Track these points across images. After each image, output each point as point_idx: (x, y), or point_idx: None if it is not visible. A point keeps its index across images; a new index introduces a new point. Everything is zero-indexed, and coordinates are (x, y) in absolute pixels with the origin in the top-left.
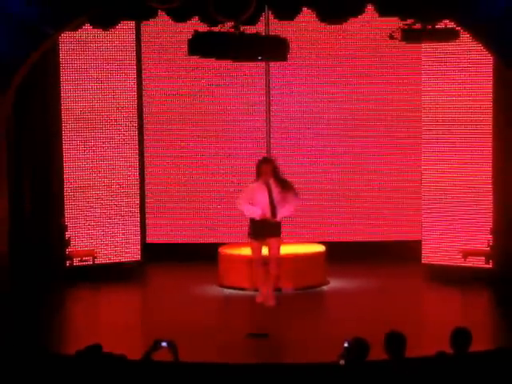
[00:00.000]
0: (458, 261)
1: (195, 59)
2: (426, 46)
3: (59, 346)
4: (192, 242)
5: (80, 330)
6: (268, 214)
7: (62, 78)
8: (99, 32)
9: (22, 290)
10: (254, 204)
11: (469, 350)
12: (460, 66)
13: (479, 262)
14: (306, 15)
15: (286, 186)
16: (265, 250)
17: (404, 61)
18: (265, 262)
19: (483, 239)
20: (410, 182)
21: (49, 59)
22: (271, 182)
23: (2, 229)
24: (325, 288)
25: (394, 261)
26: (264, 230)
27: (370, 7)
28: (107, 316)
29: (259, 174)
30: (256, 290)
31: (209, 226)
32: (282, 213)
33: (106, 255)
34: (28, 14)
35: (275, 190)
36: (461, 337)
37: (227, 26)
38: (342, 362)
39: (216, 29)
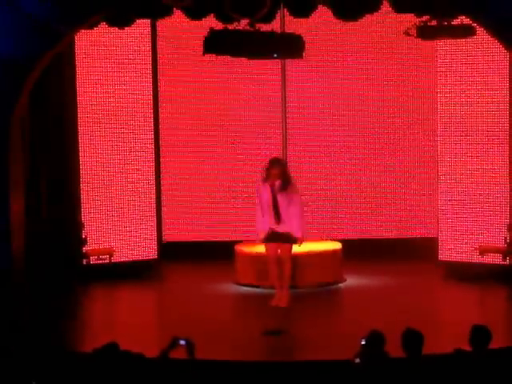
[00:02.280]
0: (474, 258)
1: (211, 57)
2: (441, 43)
3: (76, 344)
4: (208, 239)
5: (97, 329)
6: (271, 221)
7: (78, 76)
8: (115, 30)
9: (38, 288)
10: (261, 205)
11: (487, 348)
12: (476, 62)
13: (496, 259)
14: (322, 12)
15: (289, 188)
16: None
17: (420, 57)
18: (279, 260)
19: (500, 236)
20: (427, 179)
21: (64, 58)
22: (277, 184)
23: (18, 232)
24: (341, 285)
25: (411, 258)
26: (276, 238)
27: (385, 4)
28: (124, 314)
29: (267, 176)
30: (273, 288)
31: (225, 223)
32: (294, 224)
33: (123, 253)
34: (42, 13)
35: (280, 194)
36: (480, 334)
37: (243, 24)
38: (357, 360)
39: (232, 26)
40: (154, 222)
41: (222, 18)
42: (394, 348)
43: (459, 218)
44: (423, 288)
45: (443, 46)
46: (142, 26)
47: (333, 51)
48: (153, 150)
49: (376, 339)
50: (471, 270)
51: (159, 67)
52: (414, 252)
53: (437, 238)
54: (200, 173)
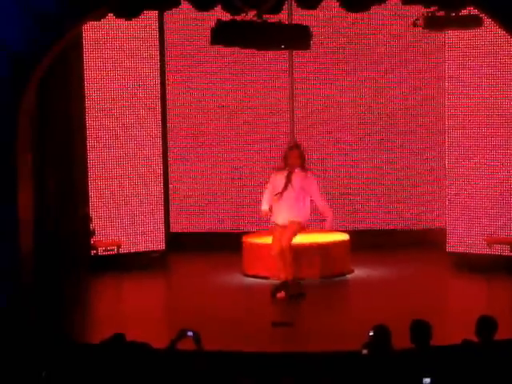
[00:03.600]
0: (482, 249)
1: (218, 48)
2: (449, 34)
3: (84, 335)
4: (216, 231)
5: (104, 320)
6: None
7: (86, 68)
8: (122, 22)
9: (47, 280)
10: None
11: (494, 338)
12: (484, 53)
13: (504, 250)
14: (330, 3)
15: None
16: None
17: (428, 49)
18: (281, 252)
19: (508, 227)
20: (435, 170)
21: (72, 52)
22: (296, 171)
23: (27, 230)
24: (349, 277)
25: (419, 249)
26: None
27: None
28: (132, 305)
29: (286, 162)
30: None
31: (233, 214)
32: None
33: (131, 245)
34: (48, 6)
35: (296, 182)
36: (486, 325)
37: (250, 15)
38: (364, 351)
39: (239, 17)
40: (161, 214)
41: (229, 8)
42: (402, 339)
43: (467, 210)
44: (431, 279)
45: (451, 36)
46: (150, 17)
47: (340, 42)
48: (160, 141)
49: (380, 334)
50: (479, 261)
51: (167, 58)
52: (422, 243)
53: (445, 230)
54: (208, 164)
